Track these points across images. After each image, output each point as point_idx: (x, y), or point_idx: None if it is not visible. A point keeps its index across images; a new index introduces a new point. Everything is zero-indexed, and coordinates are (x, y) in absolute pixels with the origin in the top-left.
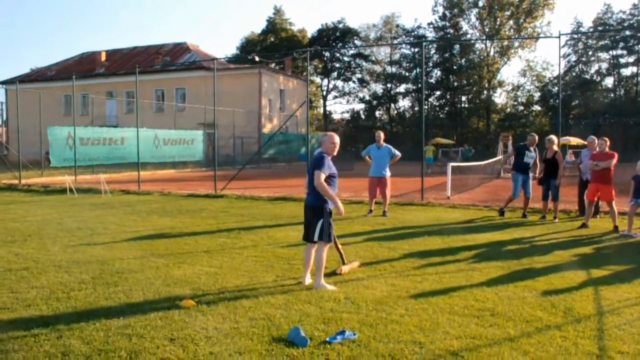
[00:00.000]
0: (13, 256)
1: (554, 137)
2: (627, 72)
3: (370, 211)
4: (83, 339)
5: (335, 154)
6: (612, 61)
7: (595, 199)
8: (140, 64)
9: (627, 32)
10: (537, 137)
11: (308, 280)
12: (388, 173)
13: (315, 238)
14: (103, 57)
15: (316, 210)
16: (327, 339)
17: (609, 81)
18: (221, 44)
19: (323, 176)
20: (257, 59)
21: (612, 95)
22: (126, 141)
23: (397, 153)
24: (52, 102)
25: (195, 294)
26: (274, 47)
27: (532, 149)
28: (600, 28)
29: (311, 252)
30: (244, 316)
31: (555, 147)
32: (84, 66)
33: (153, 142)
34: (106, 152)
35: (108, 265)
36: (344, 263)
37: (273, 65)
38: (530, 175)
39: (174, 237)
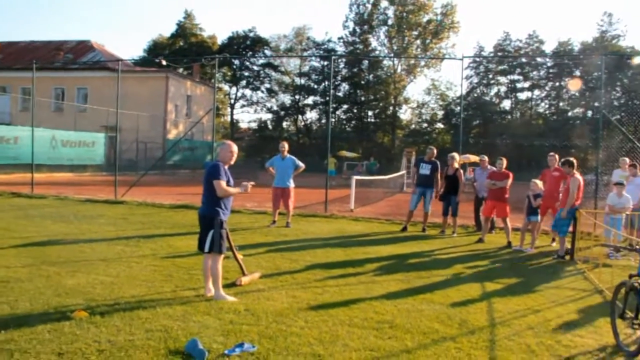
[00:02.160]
0: None
1: (456, 155)
2: (523, 96)
3: (274, 222)
4: None
5: (232, 162)
6: (509, 85)
7: (492, 215)
8: (39, 60)
9: (524, 60)
10: (435, 151)
11: (210, 291)
12: (292, 184)
13: (206, 249)
14: None
15: (207, 220)
16: (226, 351)
17: (506, 104)
18: (128, 46)
19: (223, 183)
20: (164, 62)
21: (509, 117)
22: (20, 140)
23: (301, 164)
24: None
25: (88, 305)
26: (182, 51)
27: (429, 161)
28: (499, 53)
29: (208, 263)
30: (140, 328)
31: (456, 165)
32: None
33: (50, 143)
34: None
35: None
36: (244, 274)
37: (181, 70)
38: (432, 190)
39: (68, 244)
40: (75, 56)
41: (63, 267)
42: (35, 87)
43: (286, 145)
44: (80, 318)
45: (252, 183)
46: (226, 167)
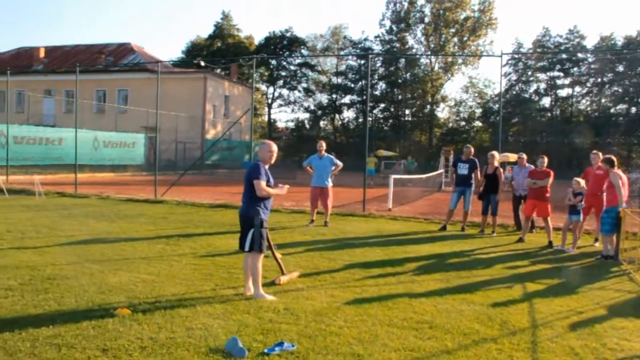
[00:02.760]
0: None
1: (495, 153)
2: (563, 93)
3: (312, 221)
4: (6, 350)
5: (272, 162)
6: (549, 82)
7: (533, 214)
8: (82, 63)
9: (564, 55)
10: (472, 149)
11: (250, 290)
12: (330, 183)
13: (246, 248)
14: (42, 54)
15: (248, 220)
16: (266, 350)
17: (546, 101)
18: (167, 47)
19: (263, 183)
20: (202, 63)
21: (549, 114)
22: (64, 142)
23: (339, 163)
24: None
25: (130, 302)
26: (220, 52)
27: (466, 160)
28: (539, 50)
29: (248, 262)
30: (180, 326)
31: (496, 163)
32: (20, 61)
33: (92, 143)
34: (42, 152)
35: (39, 270)
36: (283, 273)
37: (219, 70)
38: (472, 188)
39: (110, 242)
40: (116, 59)
41: (106, 265)
42: (78, 90)
43: (324, 144)
44: (123, 315)
45: (288, 186)
46: (266, 166)
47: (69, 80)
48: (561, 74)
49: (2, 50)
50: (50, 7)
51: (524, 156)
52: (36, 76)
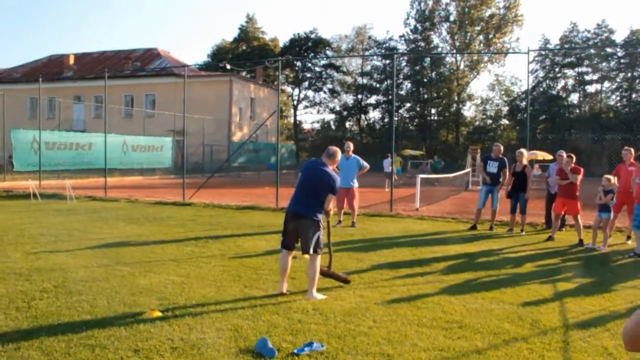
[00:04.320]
0: None
1: (524, 151)
2: (591, 89)
3: (339, 222)
4: (43, 350)
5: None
6: (577, 78)
7: (562, 212)
8: (110, 69)
9: (592, 51)
10: (501, 147)
11: (285, 288)
12: (356, 184)
13: (311, 251)
14: (71, 61)
15: (312, 222)
16: (295, 350)
17: (574, 97)
18: (192, 51)
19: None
20: (228, 66)
21: (577, 111)
22: (93, 146)
23: (366, 164)
24: (17, 104)
25: (161, 304)
26: (245, 55)
27: (496, 158)
28: (566, 45)
29: (288, 260)
30: (210, 327)
31: (525, 161)
32: (51, 69)
33: (121, 148)
34: (73, 157)
35: (71, 273)
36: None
37: (244, 73)
38: (498, 187)
39: (140, 245)
40: (143, 64)
41: (136, 267)
42: (107, 95)
43: (351, 146)
44: (154, 317)
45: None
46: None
47: (98, 86)
48: (589, 70)
49: (34, 59)
50: (78, 14)
51: (564, 154)
52: (66, 83)
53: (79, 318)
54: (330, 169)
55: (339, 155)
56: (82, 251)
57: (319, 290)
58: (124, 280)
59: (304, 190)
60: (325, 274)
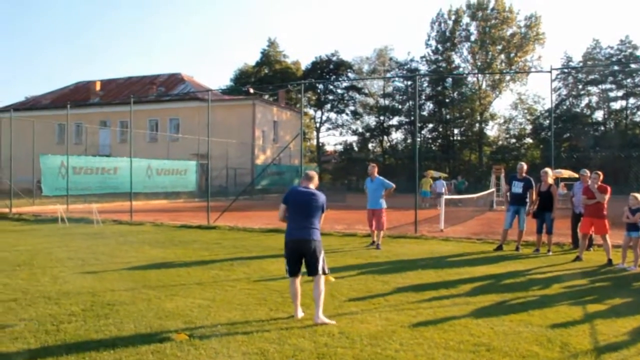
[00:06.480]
0: (1, 287)
1: (549, 170)
2: (616, 105)
3: (373, 242)
4: None
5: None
6: (601, 95)
7: (590, 232)
8: (135, 94)
9: (616, 67)
10: (525, 166)
11: (301, 313)
12: (383, 205)
13: (320, 272)
14: (98, 87)
15: (317, 245)
16: None
17: (598, 114)
18: (215, 75)
19: None
20: (251, 90)
21: (602, 128)
22: (119, 171)
23: (391, 184)
24: (46, 130)
25: (187, 327)
26: (268, 78)
27: (521, 178)
28: (589, 63)
29: (298, 285)
30: (237, 350)
31: (550, 180)
32: (78, 95)
33: (146, 172)
34: (99, 181)
35: (99, 296)
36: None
37: (267, 96)
38: (526, 207)
39: (166, 268)
40: (167, 89)
41: (162, 291)
42: (132, 120)
43: (375, 168)
44: (181, 340)
45: None
46: None
47: (124, 111)
48: (614, 86)
49: (63, 86)
50: (104, 41)
51: (587, 173)
52: (92, 108)
53: (106, 341)
54: (314, 189)
55: (316, 177)
56: (109, 274)
57: (344, 314)
58: (151, 304)
59: (303, 215)
60: None
